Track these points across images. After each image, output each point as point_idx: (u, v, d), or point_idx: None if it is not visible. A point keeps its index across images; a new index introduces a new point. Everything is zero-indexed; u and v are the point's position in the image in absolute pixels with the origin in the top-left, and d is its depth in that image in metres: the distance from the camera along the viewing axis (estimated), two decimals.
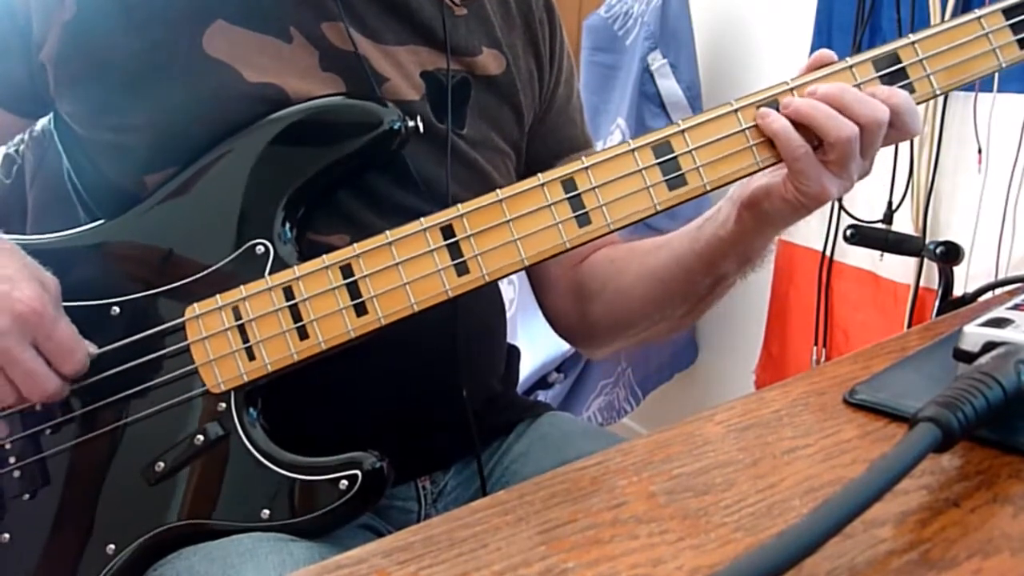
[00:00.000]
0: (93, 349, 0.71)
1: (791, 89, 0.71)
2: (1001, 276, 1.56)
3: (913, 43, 0.71)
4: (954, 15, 1.57)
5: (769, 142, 0.70)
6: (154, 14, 0.76)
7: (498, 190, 0.70)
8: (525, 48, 0.90)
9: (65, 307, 0.70)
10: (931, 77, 0.71)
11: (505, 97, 0.87)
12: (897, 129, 0.69)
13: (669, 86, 2.10)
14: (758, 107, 0.70)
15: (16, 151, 0.96)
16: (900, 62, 0.71)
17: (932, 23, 1.61)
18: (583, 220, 0.70)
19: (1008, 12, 0.72)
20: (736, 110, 0.71)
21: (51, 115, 0.84)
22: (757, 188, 0.73)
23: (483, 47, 0.86)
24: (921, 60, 0.71)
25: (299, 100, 0.75)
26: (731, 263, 0.80)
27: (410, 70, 0.81)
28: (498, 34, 0.87)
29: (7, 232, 0.77)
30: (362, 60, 0.78)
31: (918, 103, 0.71)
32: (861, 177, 0.71)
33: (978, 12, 0.72)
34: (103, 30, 0.75)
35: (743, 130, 0.70)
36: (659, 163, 0.70)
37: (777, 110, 0.70)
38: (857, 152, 0.68)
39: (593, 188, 0.70)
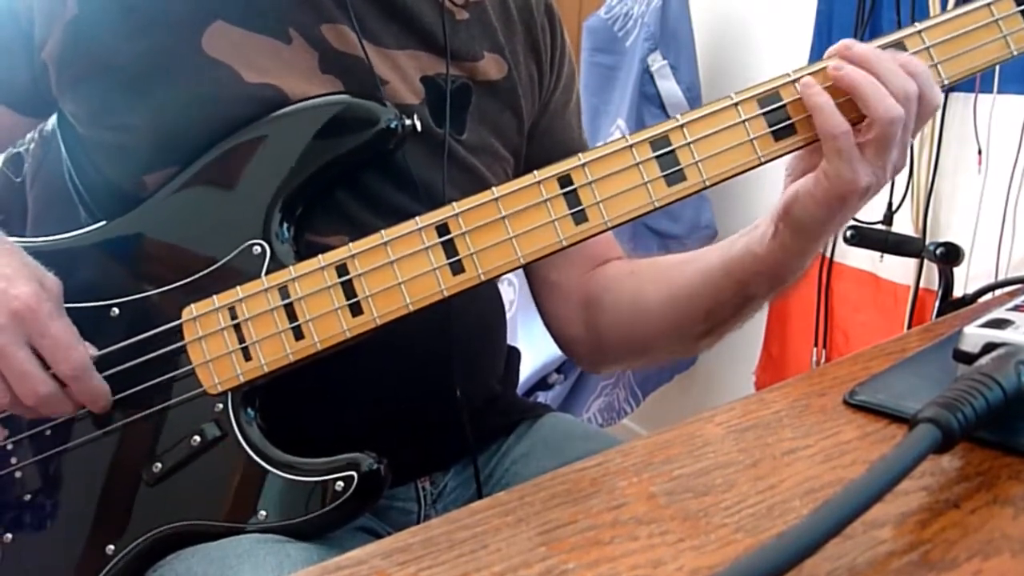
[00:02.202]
0: (93, 351, 0.71)
1: (793, 81, 0.69)
2: (1001, 277, 1.56)
3: (920, 31, 0.70)
4: None
5: (771, 135, 0.69)
6: (155, 15, 0.76)
7: (493, 188, 0.70)
8: (526, 53, 0.89)
9: (65, 309, 0.70)
10: (939, 67, 0.70)
11: (506, 102, 0.86)
12: (922, 103, 0.67)
13: (669, 87, 2.10)
14: (758, 100, 0.69)
15: (25, 150, 0.96)
16: (906, 50, 0.70)
17: None
18: (579, 217, 0.69)
19: None
20: (736, 103, 0.69)
21: (56, 114, 0.84)
22: (788, 196, 0.71)
23: (484, 52, 0.85)
24: (928, 48, 0.70)
25: (298, 101, 0.75)
26: (763, 283, 0.77)
27: (410, 74, 0.81)
28: (500, 39, 0.87)
29: (10, 232, 0.76)
30: (365, 61, 0.78)
31: None
32: (893, 174, 0.69)
33: None
34: (104, 30, 0.76)
35: (743, 123, 0.69)
36: (657, 158, 0.69)
37: (779, 102, 0.69)
38: (898, 137, 0.66)
39: (589, 184, 0.69)
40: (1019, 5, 0.70)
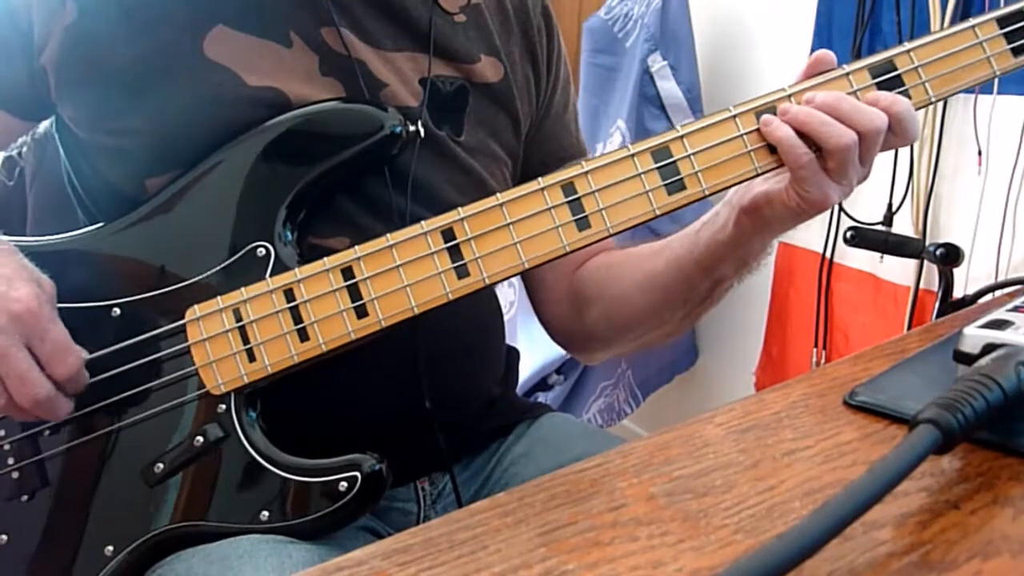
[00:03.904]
0: (84, 355, 0.70)
1: (788, 96, 0.71)
2: (1001, 278, 1.56)
3: (908, 51, 0.72)
4: (954, 18, 1.57)
5: (767, 147, 0.70)
6: (155, 18, 0.76)
7: (498, 194, 0.70)
8: (523, 56, 0.90)
9: (66, 309, 0.70)
10: (926, 85, 0.72)
11: (502, 104, 0.87)
12: (897, 135, 0.70)
13: (669, 88, 2.10)
14: (756, 113, 0.71)
15: (19, 153, 0.96)
16: (896, 69, 0.72)
17: (931, 26, 1.62)
18: (583, 224, 0.70)
19: (1002, 21, 0.72)
20: (734, 116, 0.71)
21: (53, 118, 0.84)
22: (758, 194, 0.73)
23: (481, 55, 0.86)
24: (916, 68, 0.72)
25: (299, 104, 0.75)
26: (729, 267, 0.80)
27: (408, 76, 0.81)
28: (496, 42, 0.87)
29: (7, 234, 0.77)
30: (364, 63, 0.78)
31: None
32: (860, 182, 0.71)
33: (972, 21, 0.73)
34: (104, 34, 0.76)
35: (741, 136, 0.71)
36: (658, 168, 0.71)
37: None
38: (856, 159, 0.68)
39: (593, 192, 0.70)
40: (1001, 28, 0.72)
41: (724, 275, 0.81)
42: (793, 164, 0.69)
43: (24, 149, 0.96)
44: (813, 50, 1.88)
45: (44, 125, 0.89)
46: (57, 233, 0.78)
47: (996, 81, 1.57)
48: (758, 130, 0.70)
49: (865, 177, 0.72)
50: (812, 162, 0.68)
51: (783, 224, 0.74)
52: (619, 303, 0.88)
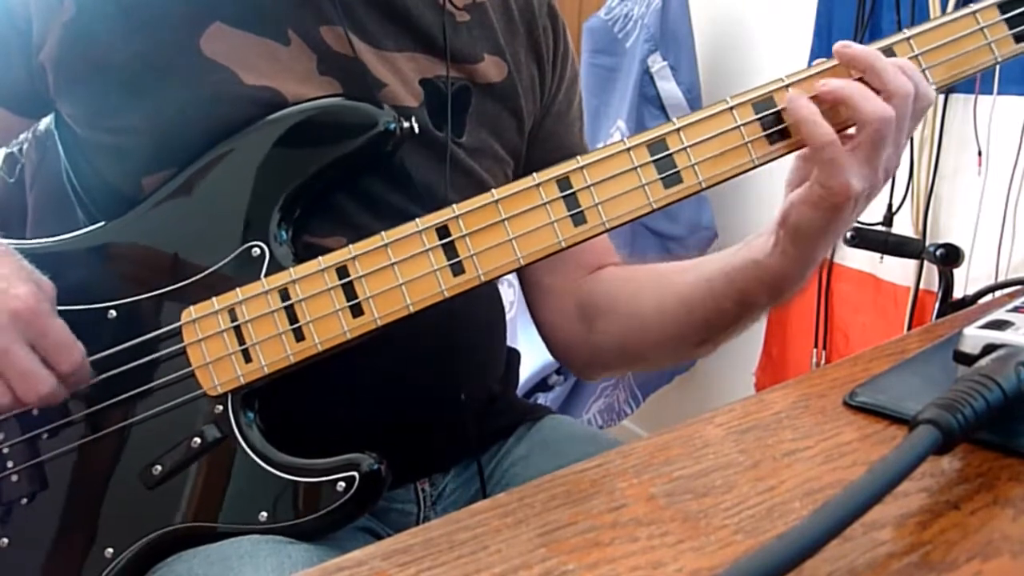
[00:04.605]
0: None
1: (786, 85, 0.70)
2: (1001, 279, 1.56)
3: (908, 38, 0.71)
4: None
5: (766, 139, 0.69)
6: (152, 16, 0.76)
7: (493, 190, 0.70)
8: (527, 55, 0.89)
9: (62, 311, 0.70)
10: (927, 72, 0.71)
11: (506, 104, 0.86)
12: (917, 102, 0.68)
13: (669, 88, 2.11)
14: (753, 105, 0.70)
15: (20, 150, 0.96)
16: (896, 57, 0.71)
17: None
18: (578, 219, 0.70)
19: (1004, 7, 0.72)
20: (731, 107, 0.70)
21: (53, 115, 0.84)
22: (785, 204, 0.71)
23: (484, 54, 0.85)
24: (917, 55, 0.71)
25: (296, 103, 0.75)
26: (763, 292, 0.77)
27: (409, 76, 0.81)
28: (500, 41, 0.87)
29: (8, 233, 0.77)
30: (360, 63, 0.78)
31: None
32: (886, 177, 0.69)
33: (973, 7, 0.72)
34: (102, 31, 0.76)
35: (738, 127, 0.70)
36: (654, 161, 0.70)
37: (772, 107, 0.69)
38: (890, 137, 0.66)
39: (588, 187, 0.70)
40: (1003, 13, 0.72)
41: (756, 300, 0.78)
42: (816, 143, 0.67)
43: (25, 146, 0.96)
44: (813, 50, 1.91)
45: (45, 122, 0.89)
46: (57, 230, 0.78)
47: (996, 81, 1.58)
48: (755, 122, 0.70)
49: (894, 167, 0.70)
50: (836, 143, 0.66)
51: (815, 228, 0.70)
52: (636, 319, 0.86)
